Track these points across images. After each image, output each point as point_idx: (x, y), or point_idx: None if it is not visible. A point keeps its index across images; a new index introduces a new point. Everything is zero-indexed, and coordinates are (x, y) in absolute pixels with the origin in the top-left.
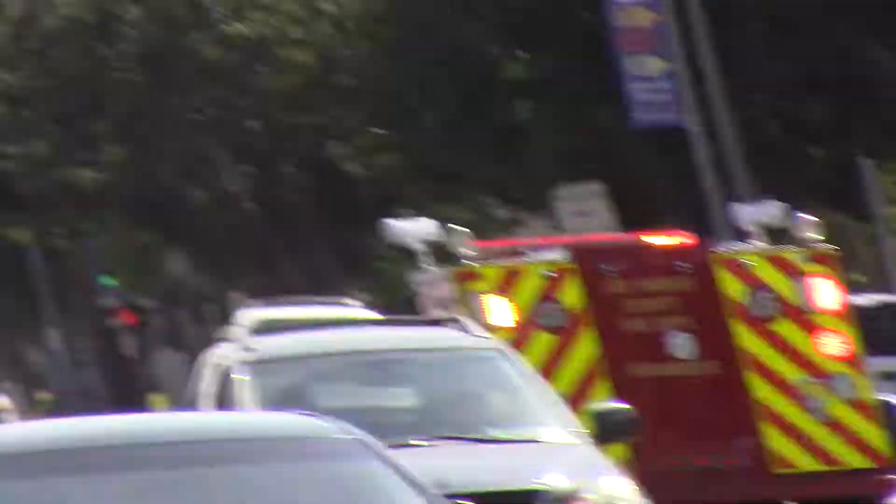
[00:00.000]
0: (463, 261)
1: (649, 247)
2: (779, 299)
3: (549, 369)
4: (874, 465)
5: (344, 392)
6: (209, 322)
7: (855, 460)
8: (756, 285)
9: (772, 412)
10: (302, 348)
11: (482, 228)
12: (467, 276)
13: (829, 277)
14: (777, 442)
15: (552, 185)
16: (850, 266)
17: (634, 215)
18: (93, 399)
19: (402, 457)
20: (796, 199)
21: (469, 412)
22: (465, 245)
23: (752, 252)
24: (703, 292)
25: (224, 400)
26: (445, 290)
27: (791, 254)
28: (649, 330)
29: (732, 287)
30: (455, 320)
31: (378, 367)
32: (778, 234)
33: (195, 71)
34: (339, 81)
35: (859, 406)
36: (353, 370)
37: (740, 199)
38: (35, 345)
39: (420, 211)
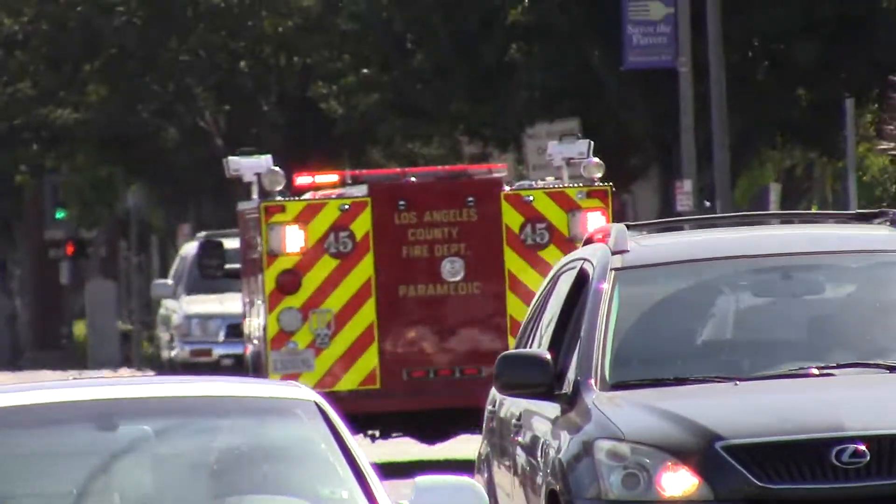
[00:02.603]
0: (272, 196)
1: (451, 181)
2: (550, 230)
3: (326, 289)
4: None
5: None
6: (153, 254)
7: None
8: (533, 217)
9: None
10: (686, 252)
11: (450, 163)
12: (274, 209)
13: (600, 210)
14: None
15: (529, 124)
16: (815, 202)
17: (606, 152)
18: (16, 324)
19: (789, 389)
20: (770, 137)
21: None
22: (276, 182)
23: (535, 189)
24: (484, 223)
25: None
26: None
27: (570, 190)
28: (426, 256)
29: (511, 219)
30: (885, 213)
31: (776, 274)
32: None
33: (195, 15)
34: (337, 25)
35: None
36: (745, 279)
37: (713, 139)
38: None
39: (389, 147)
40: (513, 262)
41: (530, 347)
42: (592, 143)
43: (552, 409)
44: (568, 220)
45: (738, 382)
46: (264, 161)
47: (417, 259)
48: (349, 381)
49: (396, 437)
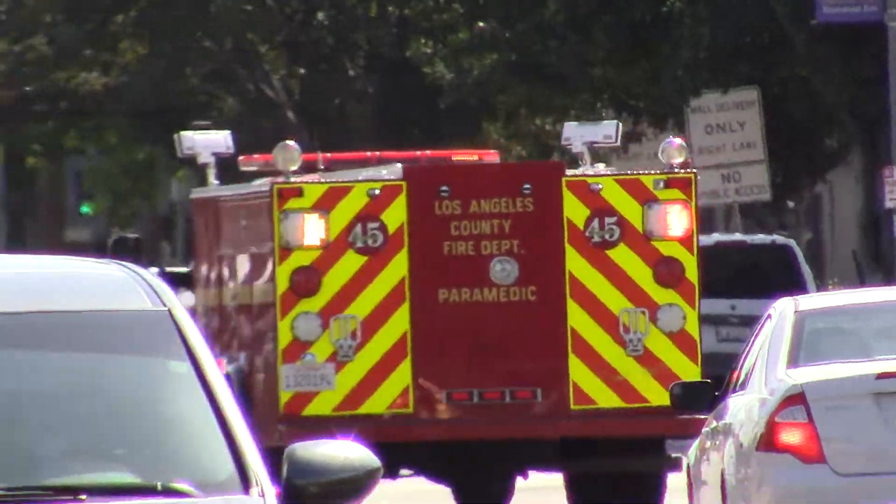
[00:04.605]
0: (286, 177)
1: (500, 166)
2: (622, 225)
3: (350, 291)
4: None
5: None
6: None
7: (661, 398)
8: (601, 209)
9: (583, 343)
10: None
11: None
12: (289, 193)
13: (681, 203)
14: (581, 374)
15: (694, 94)
16: None
17: (794, 131)
18: None
19: None
20: None
21: None
22: (292, 160)
23: (604, 175)
24: (541, 216)
25: None
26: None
27: (646, 178)
28: (472, 254)
29: (575, 211)
30: None
31: None
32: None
33: None
34: None
35: (680, 339)
36: None
37: None
38: None
39: (512, 123)
40: (575, 263)
41: None
42: (620, 125)
43: None
44: (643, 214)
45: None
46: (223, 138)
47: (461, 257)
48: (376, 404)
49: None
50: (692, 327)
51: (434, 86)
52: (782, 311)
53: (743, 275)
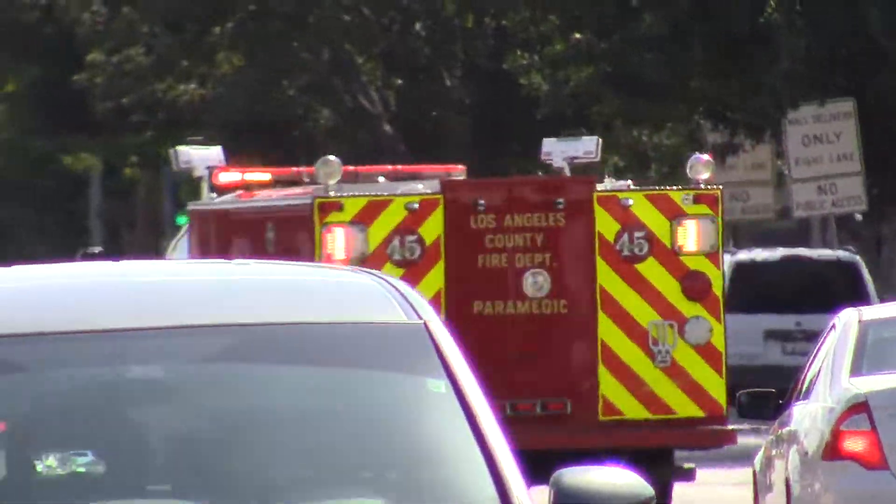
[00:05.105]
0: (326, 191)
1: (534, 181)
2: (651, 239)
3: None
4: (706, 415)
5: None
6: None
7: (687, 409)
8: (630, 224)
9: (612, 354)
10: None
11: (687, 155)
12: (329, 207)
13: (708, 219)
14: (610, 386)
15: (792, 106)
16: None
17: (890, 140)
18: None
19: None
20: None
21: None
22: (333, 174)
23: (634, 190)
24: (573, 230)
25: None
26: (212, 220)
27: (675, 193)
28: (505, 267)
29: (606, 225)
30: None
31: None
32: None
33: None
34: None
35: (706, 352)
36: None
37: None
38: None
39: (608, 134)
40: (605, 276)
41: None
42: (601, 140)
43: None
44: (671, 229)
45: None
46: (216, 152)
47: (495, 270)
48: None
49: None
50: (718, 340)
51: (530, 97)
52: (846, 321)
53: (808, 290)
